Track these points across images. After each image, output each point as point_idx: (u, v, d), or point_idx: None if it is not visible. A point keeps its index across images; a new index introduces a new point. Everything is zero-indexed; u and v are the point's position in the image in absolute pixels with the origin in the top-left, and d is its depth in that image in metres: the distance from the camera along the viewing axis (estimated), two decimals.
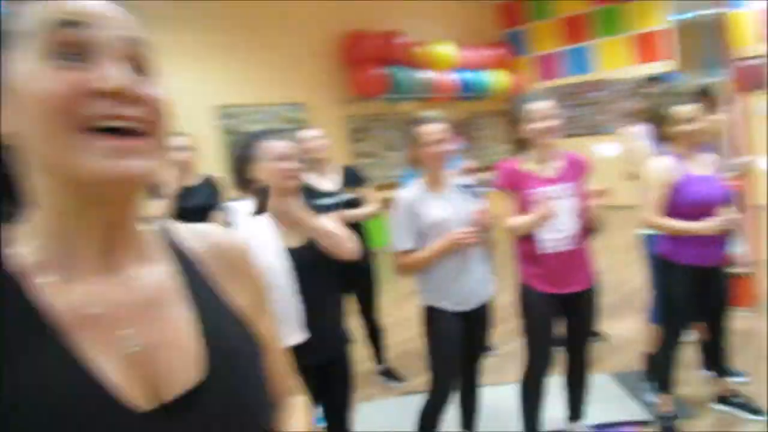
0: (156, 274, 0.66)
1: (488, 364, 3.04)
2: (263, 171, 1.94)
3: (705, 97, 2.89)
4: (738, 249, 3.55)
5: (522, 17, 9.93)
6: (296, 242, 1.96)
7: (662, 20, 8.56)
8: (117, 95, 0.56)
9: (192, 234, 0.74)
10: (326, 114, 7.33)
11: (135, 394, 0.58)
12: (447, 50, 8.41)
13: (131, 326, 0.61)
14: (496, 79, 9.08)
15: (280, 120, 6.90)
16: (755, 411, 2.74)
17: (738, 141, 4.15)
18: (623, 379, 3.27)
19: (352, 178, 3.44)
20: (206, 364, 0.64)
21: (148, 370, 0.60)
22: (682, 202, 2.47)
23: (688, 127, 2.47)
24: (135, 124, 0.57)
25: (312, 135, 3.32)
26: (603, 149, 7.71)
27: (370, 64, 7.30)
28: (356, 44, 7.38)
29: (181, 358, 0.63)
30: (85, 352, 0.57)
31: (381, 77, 7.31)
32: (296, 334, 1.84)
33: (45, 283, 0.58)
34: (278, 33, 6.90)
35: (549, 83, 9.57)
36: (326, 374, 1.96)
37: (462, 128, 8.98)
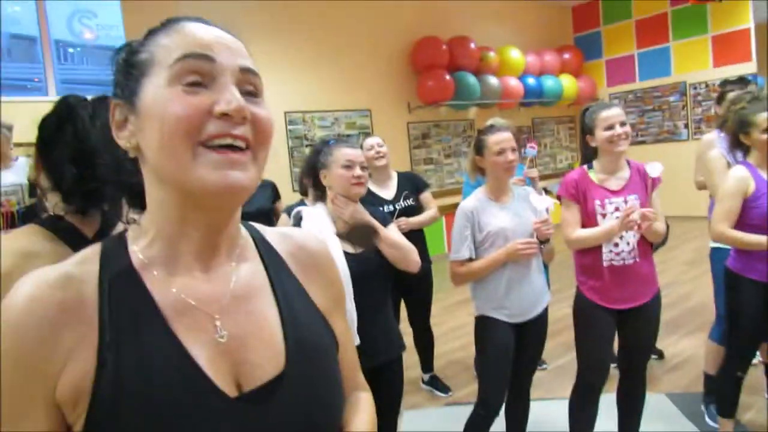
0: (246, 272, 0.74)
1: (538, 378, 2.96)
2: (330, 177, 1.99)
3: None
4: None
5: (595, 20, 9.65)
6: (355, 248, 1.99)
7: (742, 21, 8.11)
8: (232, 117, 0.64)
9: (277, 236, 0.82)
10: (390, 120, 7.38)
11: (223, 381, 0.65)
12: (515, 55, 8.27)
13: (221, 318, 0.68)
14: (564, 84, 8.88)
15: (345, 126, 7.00)
16: None
17: None
18: (681, 400, 3.13)
19: (411, 184, 3.40)
20: (287, 357, 0.70)
21: (234, 359, 0.67)
22: (757, 215, 2.33)
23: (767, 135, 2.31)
24: (241, 141, 0.65)
25: (373, 142, 3.31)
26: (673, 158, 7.39)
27: (437, 70, 7.26)
28: (424, 50, 7.37)
29: (265, 350, 0.69)
30: (183, 339, 0.65)
31: (447, 83, 7.26)
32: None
33: (153, 276, 0.68)
34: (346, 41, 6.96)
35: (620, 88, 9.28)
36: (376, 379, 1.94)
37: (526, 135, 8.83)
